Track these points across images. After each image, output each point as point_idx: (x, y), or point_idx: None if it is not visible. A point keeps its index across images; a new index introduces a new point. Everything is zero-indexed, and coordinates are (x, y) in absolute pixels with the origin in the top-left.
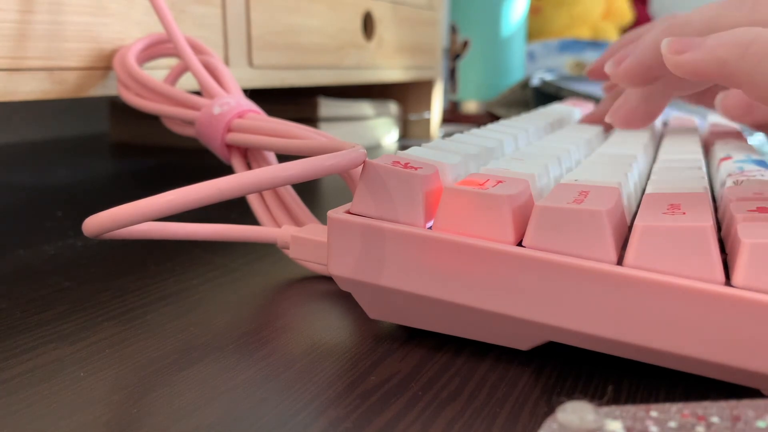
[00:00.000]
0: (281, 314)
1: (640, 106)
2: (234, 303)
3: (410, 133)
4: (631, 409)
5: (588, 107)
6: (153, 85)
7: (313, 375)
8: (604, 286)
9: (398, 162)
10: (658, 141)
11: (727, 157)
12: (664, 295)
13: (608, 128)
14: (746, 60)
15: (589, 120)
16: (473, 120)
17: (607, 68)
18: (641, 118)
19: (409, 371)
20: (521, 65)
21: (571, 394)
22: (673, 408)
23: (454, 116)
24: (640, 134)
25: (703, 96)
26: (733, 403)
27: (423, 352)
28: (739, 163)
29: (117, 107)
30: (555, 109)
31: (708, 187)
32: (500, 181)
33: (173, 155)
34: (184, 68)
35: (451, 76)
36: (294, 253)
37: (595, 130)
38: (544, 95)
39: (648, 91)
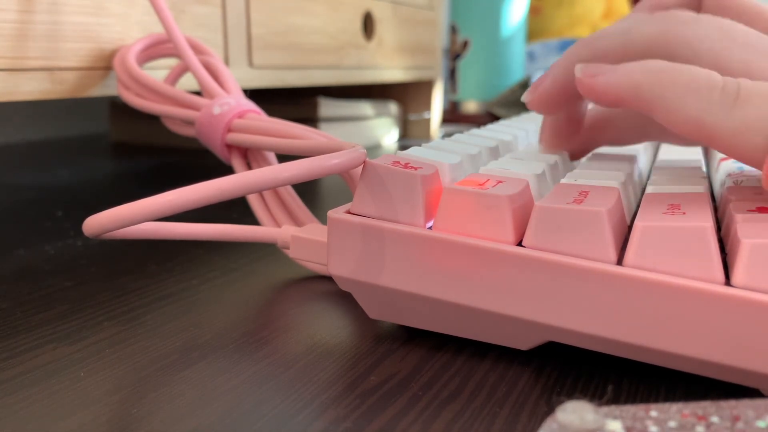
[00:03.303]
0: (281, 314)
1: (561, 128)
2: (234, 303)
3: (410, 133)
4: (631, 409)
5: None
6: (153, 85)
7: (313, 375)
8: (604, 286)
9: (398, 162)
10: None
11: (727, 157)
12: (664, 295)
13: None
14: (657, 85)
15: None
16: (473, 120)
17: (523, 98)
18: (563, 140)
19: (409, 371)
20: (521, 65)
21: (571, 394)
22: (673, 408)
23: (454, 116)
24: None
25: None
26: (733, 403)
27: (423, 352)
28: (739, 163)
29: (117, 107)
30: None
31: (708, 187)
32: (500, 181)
33: (173, 155)
34: (184, 68)
35: (451, 76)
36: (294, 253)
37: None
38: None
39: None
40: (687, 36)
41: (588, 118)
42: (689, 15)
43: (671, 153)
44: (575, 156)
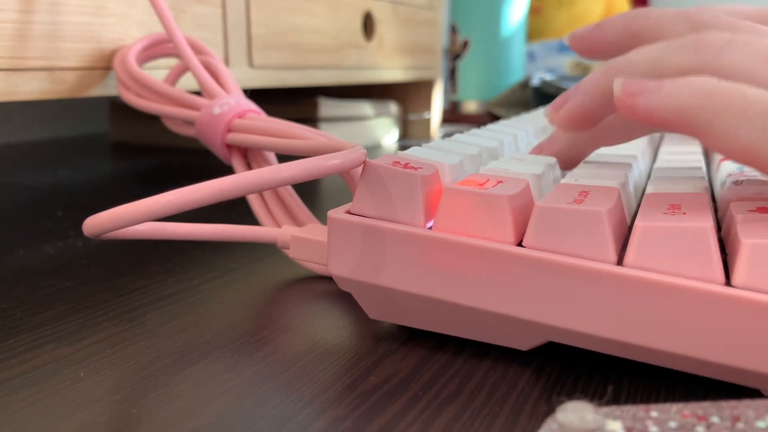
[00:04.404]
0: (281, 314)
1: (570, 149)
2: (234, 303)
3: (410, 133)
4: (631, 409)
5: None
6: (153, 85)
7: (313, 375)
8: (604, 286)
9: (398, 162)
10: (658, 141)
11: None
12: (664, 295)
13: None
14: (707, 110)
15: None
16: (473, 120)
17: (546, 114)
18: (565, 161)
19: (409, 371)
20: (521, 65)
21: (571, 394)
22: (673, 408)
23: (454, 116)
24: None
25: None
26: (733, 403)
27: (423, 352)
28: (739, 163)
29: (117, 107)
30: None
31: (708, 187)
32: (500, 181)
33: (173, 155)
34: (184, 68)
35: (451, 76)
36: (294, 253)
37: None
38: (544, 95)
39: (578, 135)
40: (723, 66)
41: None
42: (721, 39)
43: (671, 153)
44: (571, 165)
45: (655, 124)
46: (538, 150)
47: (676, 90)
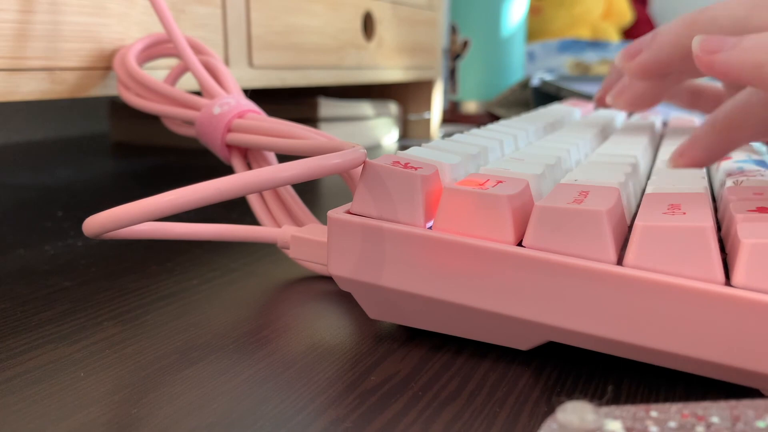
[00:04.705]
0: (281, 314)
1: (646, 91)
2: (234, 303)
3: (410, 133)
4: (631, 409)
5: (588, 107)
6: (153, 85)
7: (313, 375)
8: (604, 286)
9: (398, 162)
10: (658, 141)
11: (727, 157)
12: (664, 295)
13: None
14: None
15: (599, 102)
16: (473, 120)
17: (618, 60)
18: (646, 102)
19: (409, 371)
20: (521, 65)
21: (571, 394)
22: (673, 408)
23: (454, 116)
24: (640, 134)
25: (699, 102)
26: (733, 403)
27: (423, 352)
28: (739, 163)
29: (117, 107)
30: (555, 109)
31: (708, 187)
32: (500, 181)
33: (173, 155)
34: (184, 68)
35: (451, 76)
36: (294, 253)
37: (595, 130)
38: (544, 95)
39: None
40: None
41: (720, 119)
42: None
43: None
44: (709, 162)
45: (732, 80)
46: (680, 155)
47: (753, 45)
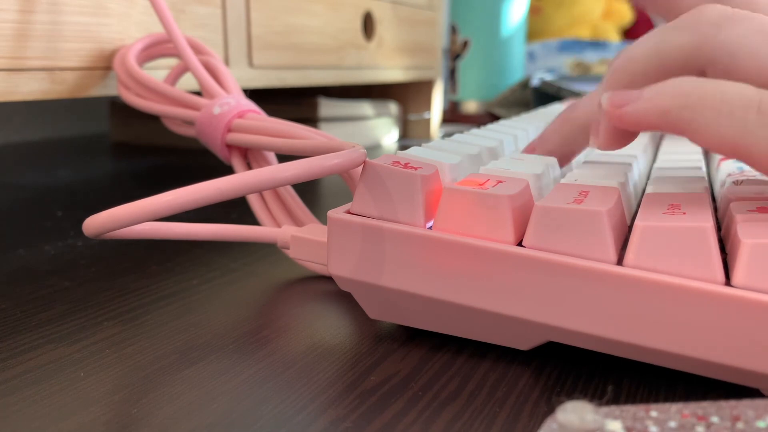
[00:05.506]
0: (281, 314)
1: (562, 147)
2: (234, 303)
3: (410, 133)
4: (631, 409)
5: None
6: (153, 85)
7: (313, 375)
8: (604, 286)
9: (398, 162)
10: (658, 141)
11: (727, 158)
12: (664, 295)
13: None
14: (688, 109)
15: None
16: (473, 120)
17: (591, 144)
18: (559, 159)
19: (409, 371)
20: (521, 65)
21: (571, 394)
22: (673, 408)
23: (454, 116)
24: (640, 134)
25: None
26: (733, 403)
27: (423, 352)
28: (739, 164)
29: (117, 107)
30: (555, 109)
31: (708, 187)
32: (500, 181)
33: (173, 155)
34: (184, 68)
35: (451, 76)
36: (294, 253)
37: None
38: (544, 95)
39: (568, 134)
40: (725, 41)
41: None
42: (721, 13)
43: (671, 153)
44: (563, 163)
45: (643, 129)
46: (531, 149)
47: (656, 93)
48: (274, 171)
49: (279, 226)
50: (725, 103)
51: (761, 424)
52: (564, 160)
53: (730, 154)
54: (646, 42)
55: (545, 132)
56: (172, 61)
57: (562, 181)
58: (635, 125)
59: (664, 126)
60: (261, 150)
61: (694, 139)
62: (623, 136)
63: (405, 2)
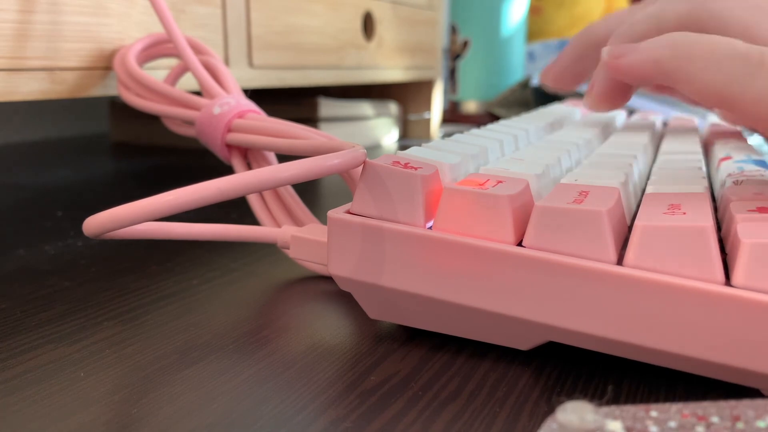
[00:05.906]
0: (281, 314)
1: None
2: (234, 303)
3: (410, 133)
4: (631, 409)
5: None
6: (153, 85)
7: (313, 375)
8: (604, 286)
9: (398, 162)
10: (658, 141)
11: (727, 157)
12: (664, 295)
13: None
14: (678, 58)
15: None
16: (473, 120)
17: (584, 103)
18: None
19: (409, 371)
20: (521, 65)
21: (571, 394)
22: (673, 408)
23: (454, 116)
24: (640, 134)
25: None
26: (733, 403)
27: (423, 352)
28: (739, 163)
29: (117, 107)
30: (555, 109)
31: (708, 187)
32: (500, 181)
33: (173, 155)
34: (184, 68)
35: (451, 76)
36: (294, 253)
37: (595, 130)
38: (544, 95)
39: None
40: (716, 9)
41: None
42: None
43: (671, 153)
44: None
45: (638, 78)
46: (547, 71)
47: (651, 45)
48: (274, 171)
49: (279, 226)
50: (714, 53)
51: (761, 424)
52: (576, 79)
53: (717, 103)
54: (648, 9)
55: (561, 52)
56: (172, 61)
57: (562, 181)
58: (630, 74)
59: (657, 75)
60: (261, 150)
61: (683, 88)
62: (616, 94)
63: (405, 2)
